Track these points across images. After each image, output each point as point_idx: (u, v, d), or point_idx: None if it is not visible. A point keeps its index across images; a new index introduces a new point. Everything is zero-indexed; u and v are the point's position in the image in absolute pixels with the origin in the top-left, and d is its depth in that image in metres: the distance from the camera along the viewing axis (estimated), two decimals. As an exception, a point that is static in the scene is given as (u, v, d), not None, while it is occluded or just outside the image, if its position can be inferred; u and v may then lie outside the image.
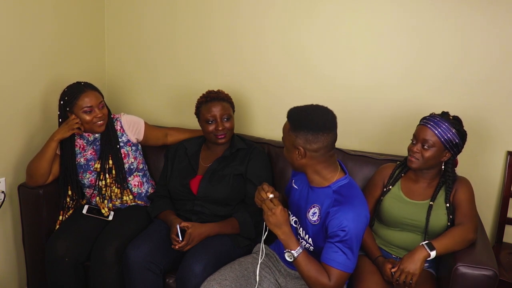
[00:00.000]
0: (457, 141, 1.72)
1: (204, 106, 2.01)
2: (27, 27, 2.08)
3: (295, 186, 1.70)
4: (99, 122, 1.99)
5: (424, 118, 1.78)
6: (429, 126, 1.72)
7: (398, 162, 1.91)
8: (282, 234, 1.53)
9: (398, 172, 1.87)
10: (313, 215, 1.59)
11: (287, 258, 1.54)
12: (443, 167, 1.80)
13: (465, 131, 1.75)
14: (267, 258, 1.78)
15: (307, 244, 1.64)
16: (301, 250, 1.52)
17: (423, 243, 1.64)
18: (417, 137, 1.75)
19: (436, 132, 1.70)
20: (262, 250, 1.70)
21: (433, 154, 1.72)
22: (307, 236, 1.63)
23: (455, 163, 1.81)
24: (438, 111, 1.83)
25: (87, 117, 1.97)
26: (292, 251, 1.52)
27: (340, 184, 1.57)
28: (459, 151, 1.77)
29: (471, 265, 1.53)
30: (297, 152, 1.52)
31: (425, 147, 1.72)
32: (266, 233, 1.65)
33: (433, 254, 1.62)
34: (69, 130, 1.96)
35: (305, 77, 2.31)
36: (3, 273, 2.16)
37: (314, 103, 1.57)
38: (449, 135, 1.71)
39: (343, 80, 2.26)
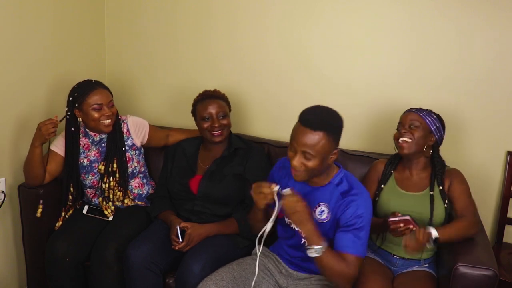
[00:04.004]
0: (438, 124, 1.82)
1: (200, 104, 2.01)
2: (26, 27, 2.08)
3: (288, 193, 1.68)
4: (107, 121, 1.97)
5: (407, 109, 1.88)
6: (413, 111, 1.83)
7: (387, 159, 1.94)
8: (307, 230, 1.50)
9: (389, 168, 1.90)
10: (321, 213, 1.60)
11: (311, 255, 1.49)
12: (431, 152, 1.85)
13: (443, 120, 1.86)
14: (266, 260, 1.77)
15: None
16: (326, 245, 1.50)
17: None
18: (403, 123, 1.83)
19: (421, 114, 1.82)
20: (261, 245, 1.65)
21: (421, 134, 1.80)
22: None
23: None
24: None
25: (96, 115, 1.95)
26: (317, 247, 1.48)
27: (339, 177, 1.61)
28: (442, 138, 1.85)
29: (471, 265, 1.53)
30: (331, 157, 1.53)
31: (413, 127, 1.80)
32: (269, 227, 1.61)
33: (434, 233, 1.64)
34: (45, 136, 1.87)
35: (305, 76, 2.31)
36: (3, 273, 2.16)
37: (317, 104, 1.59)
38: (431, 118, 1.82)
39: (343, 79, 2.26)
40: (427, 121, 1.81)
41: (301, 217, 1.49)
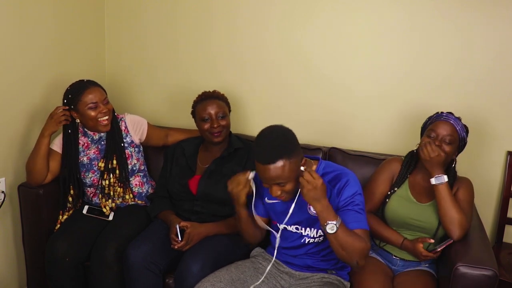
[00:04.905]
0: (466, 141, 1.77)
1: (200, 105, 2.01)
2: (27, 27, 2.08)
3: (275, 200, 1.68)
4: (104, 118, 1.98)
5: (441, 114, 1.77)
6: (451, 121, 1.73)
7: (402, 158, 1.89)
8: (321, 207, 1.47)
9: (406, 172, 1.85)
10: None
11: (329, 231, 1.47)
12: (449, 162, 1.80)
13: (467, 127, 1.80)
14: (265, 263, 1.77)
15: (317, 239, 1.66)
16: (340, 221, 1.49)
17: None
18: (438, 132, 1.73)
19: (458, 128, 1.73)
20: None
21: (452, 150, 1.73)
22: (315, 231, 1.66)
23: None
24: (439, 111, 1.84)
25: (92, 113, 1.95)
26: (334, 223, 1.47)
27: (321, 168, 1.64)
28: (461, 151, 1.80)
29: (471, 265, 1.53)
30: (302, 167, 1.52)
31: (447, 141, 1.71)
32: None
33: (439, 179, 1.70)
34: (57, 123, 1.94)
35: (305, 77, 2.31)
36: (3, 273, 2.16)
37: (276, 123, 1.58)
38: (463, 134, 1.75)
39: (343, 80, 2.26)
40: (460, 137, 1.74)
41: (319, 194, 1.46)
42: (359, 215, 1.56)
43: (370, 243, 1.57)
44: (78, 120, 2.00)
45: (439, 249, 1.69)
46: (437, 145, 1.71)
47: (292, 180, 1.51)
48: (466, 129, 1.78)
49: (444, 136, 1.72)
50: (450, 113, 1.79)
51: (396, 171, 1.87)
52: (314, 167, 1.64)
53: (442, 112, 1.79)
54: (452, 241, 1.68)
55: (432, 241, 1.72)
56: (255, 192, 1.70)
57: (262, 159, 1.48)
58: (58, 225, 2.03)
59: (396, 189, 1.83)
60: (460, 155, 1.83)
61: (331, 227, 1.47)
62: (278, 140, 1.50)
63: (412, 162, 1.85)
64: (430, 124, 1.79)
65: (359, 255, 1.51)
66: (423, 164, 1.78)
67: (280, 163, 1.46)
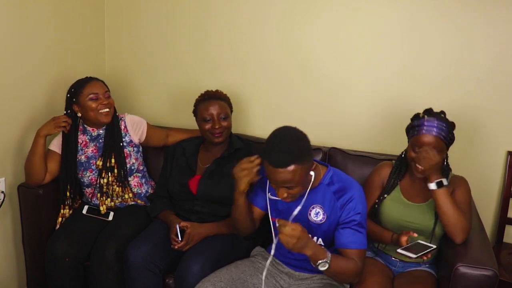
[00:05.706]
0: (452, 137, 1.73)
1: (202, 105, 2.01)
2: (27, 27, 2.08)
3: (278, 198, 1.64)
4: (105, 110, 1.99)
5: (421, 126, 1.69)
6: (434, 133, 1.67)
7: (393, 162, 1.87)
8: (310, 251, 1.44)
9: (395, 178, 1.83)
10: (316, 215, 1.61)
11: (322, 268, 1.47)
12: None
13: (453, 122, 1.74)
14: (265, 262, 1.76)
15: None
16: (330, 255, 1.48)
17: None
18: (422, 146, 1.68)
19: (442, 136, 1.68)
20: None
21: (441, 157, 1.70)
22: (315, 238, 1.65)
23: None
24: (420, 114, 1.78)
25: (93, 105, 1.97)
26: (325, 260, 1.46)
27: (329, 176, 1.62)
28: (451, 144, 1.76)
29: (471, 265, 1.53)
30: (311, 174, 1.53)
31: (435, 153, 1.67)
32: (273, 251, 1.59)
33: (439, 184, 1.66)
34: (55, 127, 1.96)
35: (305, 77, 2.31)
36: (3, 273, 2.16)
37: (287, 124, 1.55)
38: (450, 135, 1.71)
39: (343, 80, 2.26)
40: (446, 142, 1.69)
41: (305, 240, 1.42)
42: (357, 234, 1.56)
43: (364, 264, 1.59)
44: (79, 114, 2.01)
45: (414, 256, 1.63)
46: (423, 157, 1.67)
47: (300, 184, 1.50)
48: (452, 126, 1.71)
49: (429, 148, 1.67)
50: (429, 112, 1.72)
51: (386, 176, 1.86)
52: (323, 172, 1.63)
53: (422, 119, 1.71)
54: (434, 247, 1.67)
55: (416, 235, 1.67)
56: (260, 182, 1.68)
57: (274, 162, 1.45)
58: (60, 219, 2.04)
59: (386, 195, 1.82)
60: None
61: (323, 264, 1.46)
62: (292, 144, 1.47)
63: (403, 168, 1.83)
64: (412, 137, 1.73)
65: (352, 277, 1.57)
66: (413, 168, 1.74)
67: (291, 168, 1.44)
